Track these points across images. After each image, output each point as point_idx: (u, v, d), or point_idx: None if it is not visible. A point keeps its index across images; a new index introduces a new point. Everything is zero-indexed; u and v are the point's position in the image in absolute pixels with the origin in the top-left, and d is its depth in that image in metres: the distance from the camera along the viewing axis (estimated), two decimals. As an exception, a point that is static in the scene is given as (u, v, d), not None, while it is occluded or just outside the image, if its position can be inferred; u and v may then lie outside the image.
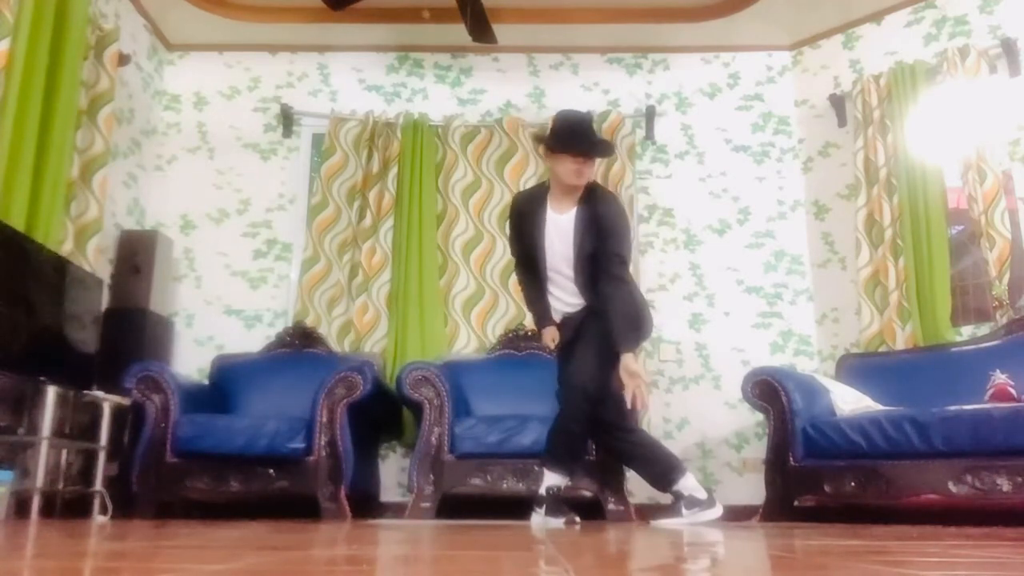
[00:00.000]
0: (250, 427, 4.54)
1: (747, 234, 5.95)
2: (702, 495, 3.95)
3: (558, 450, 3.95)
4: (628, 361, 3.72)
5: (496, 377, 4.53)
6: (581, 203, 3.91)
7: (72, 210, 4.73)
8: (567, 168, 3.81)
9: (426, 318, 5.58)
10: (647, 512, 4.75)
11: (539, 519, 3.86)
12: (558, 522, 3.80)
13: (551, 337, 4.12)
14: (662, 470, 4.01)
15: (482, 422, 4.67)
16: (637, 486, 5.29)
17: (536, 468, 4.20)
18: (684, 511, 3.92)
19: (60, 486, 4.39)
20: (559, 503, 3.92)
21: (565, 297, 4.01)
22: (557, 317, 4.08)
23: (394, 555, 1.93)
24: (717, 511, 3.93)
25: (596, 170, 3.97)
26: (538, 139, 3.98)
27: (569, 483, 4.08)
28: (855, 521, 4.00)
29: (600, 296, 3.84)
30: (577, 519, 3.89)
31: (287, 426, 4.51)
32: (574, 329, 3.99)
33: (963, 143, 5.09)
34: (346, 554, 1.92)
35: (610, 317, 3.76)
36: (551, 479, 3.94)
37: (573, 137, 3.80)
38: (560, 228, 3.92)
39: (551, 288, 4.04)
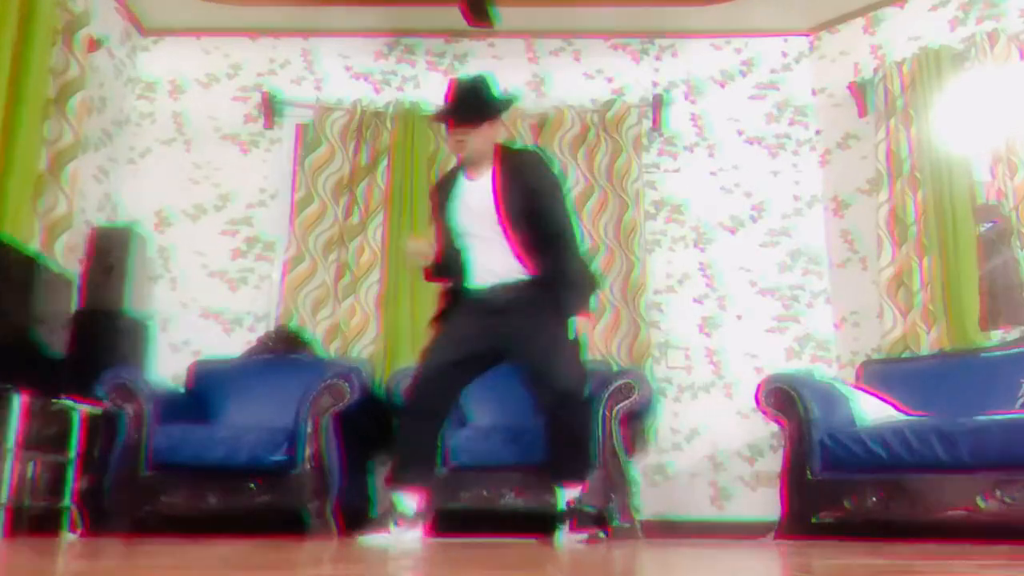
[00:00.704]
0: (230, 437, 4.54)
1: (761, 232, 5.95)
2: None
3: (569, 462, 3.89)
4: (580, 325, 3.79)
5: (494, 384, 4.51)
6: (497, 163, 3.93)
7: (40, 205, 4.73)
8: (450, 141, 3.94)
9: (419, 321, 5.56)
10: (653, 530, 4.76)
11: (564, 536, 3.80)
12: (582, 537, 3.76)
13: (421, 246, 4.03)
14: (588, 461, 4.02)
15: (479, 432, 4.67)
16: (644, 501, 5.30)
17: (550, 483, 4.03)
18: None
19: (27, 501, 4.38)
20: (584, 516, 3.87)
21: (495, 264, 3.89)
22: (483, 283, 3.91)
23: (383, 575, 1.93)
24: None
25: (490, 135, 3.90)
26: (433, 119, 4.14)
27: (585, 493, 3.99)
28: (877, 538, 3.99)
29: (549, 266, 3.83)
30: (602, 534, 3.88)
31: (270, 436, 4.51)
32: (522, 314, 3.81)
33: (993, 134, 5.09)
34: (333, 574, 1.92)
35: (563, 287, 3.80)
36: (569, 493, 3.87)
37: (450, 109, 3.87)
38: (478, 192, 3.91)
39: (478, 257, 3.93)
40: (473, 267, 3.96)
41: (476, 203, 3.90)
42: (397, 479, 3.83)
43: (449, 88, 3.94)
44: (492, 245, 3.89)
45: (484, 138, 3.90)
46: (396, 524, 3.75)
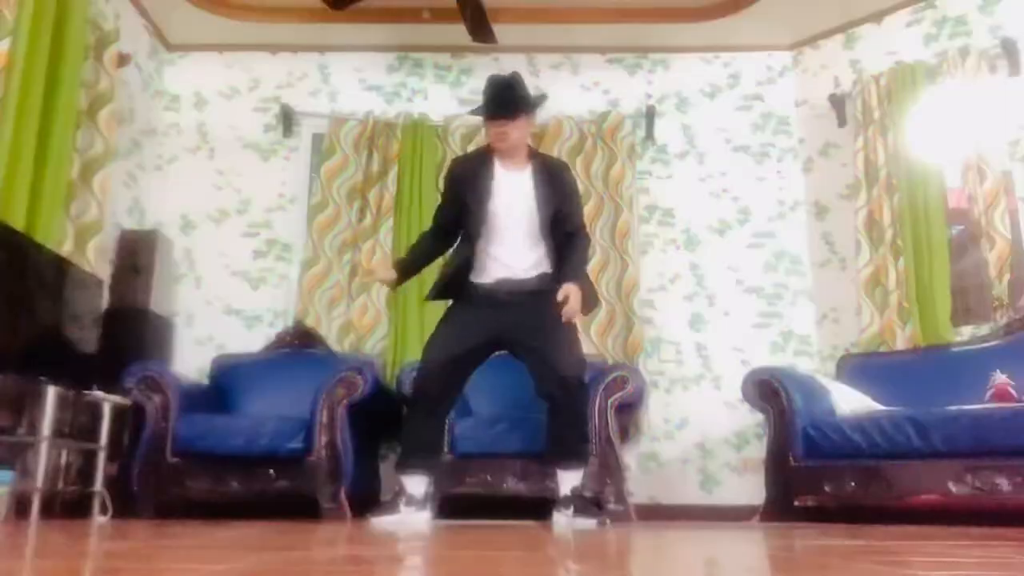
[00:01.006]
0: (250, 427, 4.54)
1: (747, 234, 5.95)
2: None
3: (571, 445, 3.83)
4: (571, 288, 3.72)
5: (496, 376, 4.52)
6: (533, 163, 3.94)
7: (72, 210, 4.73)
8: (490, 132, 3.90)
9: (426, 318, 5.56)
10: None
11: (565, 520, 3.71)
12: (589, 523, 3.68)
13: (381, 269, 4.04)
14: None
15: (482, 421, 4.67)
16: (637, 486, 5.30)
17: (550, 470, 3.99)
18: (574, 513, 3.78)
19: (60, 486, 4.39)
20: (587, 502, 3.82)
21: (510, 258, 3.87)
22: (490, 278, 3.89)
23: (393, 555, 1.93)
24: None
25: (525, 129, 3.94)
26: (474, 114, 4.04)
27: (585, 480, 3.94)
28: (855, 521, 4.00)
29: (573, 250, 3.88)
30: (608, 520, 3.83)
31: (287, 426, 4.51)
32: (523, 307, 3.80)
33: (963, 143, 5.09)
34: (346, 554, 1.92)
35: (578, 268, 3.88)
36: (573, 478, 3.82)
37: (489, 102, 3.87)
38: (518, 185, 3.89)
39: (492, 248, 3.88)
40: (487, 257, 3.90)
41: (514, 196, 3.87)
42: (404, 465, 3.82)
43: (486, 85, 3.94)
44: (516, 239, 3.87)
45: (521, 131, 3.91)
46: (404, 506, 3.75)
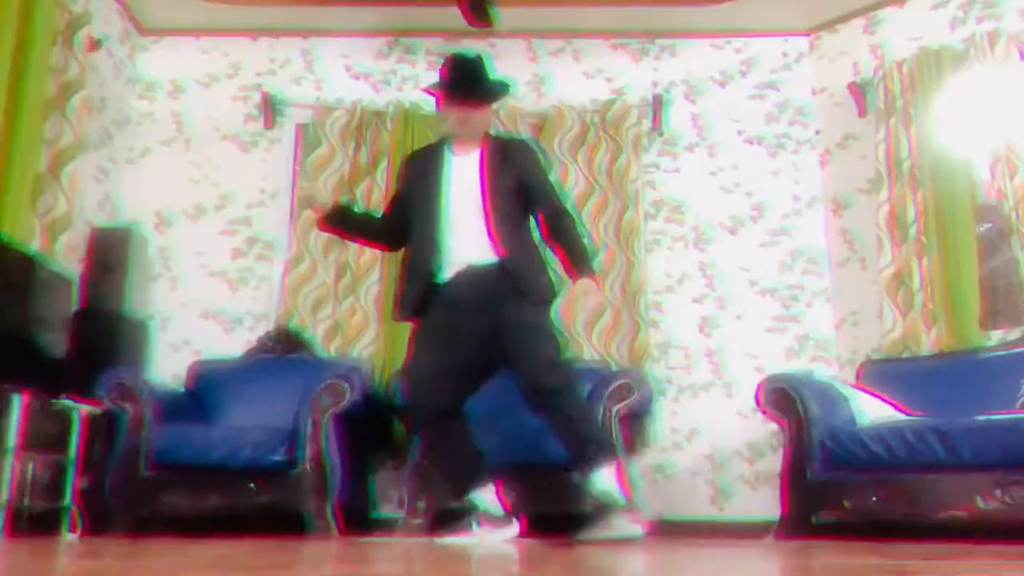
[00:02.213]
0: (230, 438, 4.54)
1: (761, 232, 5.95)
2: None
3: (588, 443, 3.73)
4: (590, 287, 3.84)
5: (494, 382, 4.50)
6: (486, 144, 3.97)
7: (40, 205, 4.73)
8: (452, 116, 3.92)
9: (418, 321, 5.57)
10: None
11: (607, 532, 3.55)
12: (635, 529, 3.57)
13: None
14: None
15: (480, 430, 4.66)
16: (643, 500, 5.29)
17: (576, 480, 3.89)
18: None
19: (27, 501, 4.38)
20: (616, 508, 3.65)
21: (466, 247, 3.86)
22: (450, 269, 3.88)
23: (383, 575, 1.93)
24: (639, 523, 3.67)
25: (490, 117, 4.04)
26: (429, 90, 4.06)
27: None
28: (878, 538, 4.00)
29: (561, 233, 3.94)
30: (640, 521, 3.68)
31: (270, 437, 4.51)
32: (484, 303, 3.81)
33: (993, 134, 5.09)
34: (333, 574, 1.92)
35: (576, 246, 3.93)
36: (605, 478, 3.65)
37: (454, 82, 3.90)
38: (466, 170, 3.92)
39: (450, 241, 3.88)
40: (447, 250, 3.89)
41: (463, 178, 3.90)
42: (459, 492, 3.85)
43: (451, 64, 3.96)
44: (470, 224, 3.87)
45: (485, 118, 3.99)
46: (479, 524, 3.77)
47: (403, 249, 4.07)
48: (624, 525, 3.57)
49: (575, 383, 3.86)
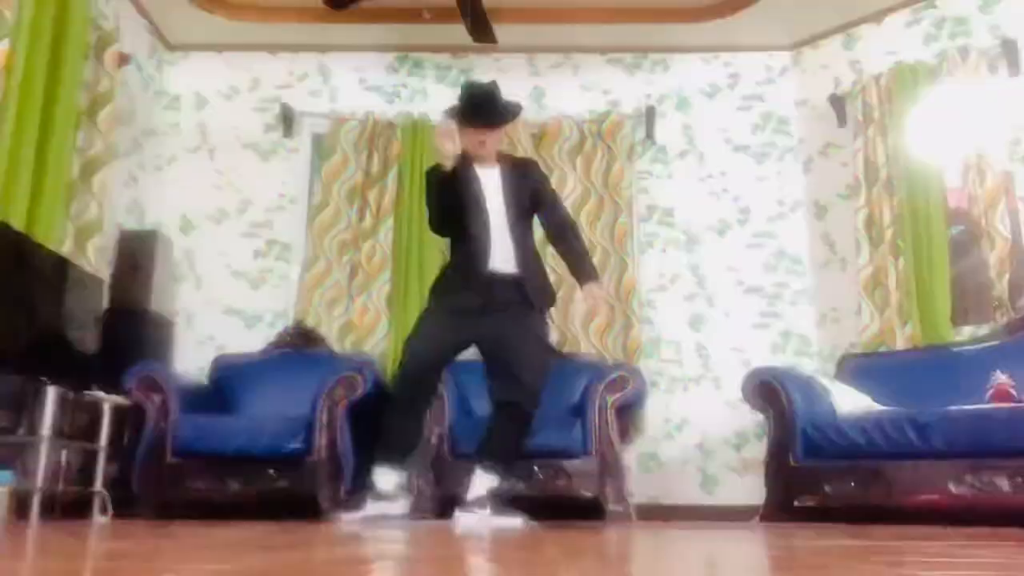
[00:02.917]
0: (250, 427, 4.55)
1: (747, 234, 5.94)
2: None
3: (506, 449, 3.88)
4: (596, 289, 3.99)
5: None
6: (501, 162, 4.08)
7: (72, 210, 4.73)
8: (470, 140, 3.96)
9: (426, 318, 5.57)
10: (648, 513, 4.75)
11: (475, 519, 3.72)
12: (514, 521, 3.76)
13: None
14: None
15: (483, 422, 4.66)
16: (637, 486, 5.29)
17: (476, 466, 3.92)
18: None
19: (60, 486, 4.39)
20: (505, 503, 3.90)
21: (498, 257, 3.93)
22: (477, 275, 3.91)
23: (394, 555, 1.93)
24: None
25: (502, 138, 4.22)
26: (448, 114, 4.09)
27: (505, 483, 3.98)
28: (855, 521, 3.99)
29: (570, 241, 4.10)
30: (533, 522, 3.86)
31: (287, 426, 4.52)
32: (505, 313, 3.88)
33: (963, 143, 5.09)
34: (346, 554, 1.92)
35: (582, 252, 4.10)
36: (490, 481, 3.83)
37: (472, 109, 3.98)
38: (492, 184, 4.00)
39: (476, 246, 3.93)
40: (473, 255, 3.94)
41: (489, 192, 3.98)
42: (384, 459, 3.86)
43: (468, 91, 4.05)
44: (496, 234, 3.93)
45: (498, 140, 4.13)
46: (372, 501, 3.80)
47: (453, 249, 4.09)
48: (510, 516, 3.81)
49: (536, 411, 3.88)
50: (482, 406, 4.94)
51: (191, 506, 4.60)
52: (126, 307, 5.19)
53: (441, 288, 4.02)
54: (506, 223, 3.95)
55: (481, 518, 3.72)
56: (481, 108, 3.99)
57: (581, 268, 4.04)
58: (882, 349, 5.19)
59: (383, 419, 3.95)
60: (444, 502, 4.45)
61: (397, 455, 3.87)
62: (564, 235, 4.10)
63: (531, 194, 4.04)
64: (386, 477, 3.83)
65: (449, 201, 3.94)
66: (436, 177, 3.96)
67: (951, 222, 5.27)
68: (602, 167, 5.88)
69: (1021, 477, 3.64)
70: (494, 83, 4.06)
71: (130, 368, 4.64)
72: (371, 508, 3.78)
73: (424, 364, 3.85)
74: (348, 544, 2.30)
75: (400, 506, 3.86)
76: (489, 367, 3.94)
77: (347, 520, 3.81)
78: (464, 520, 3.73)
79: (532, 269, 4.00)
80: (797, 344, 5.75)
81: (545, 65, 6.27)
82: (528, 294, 3.91)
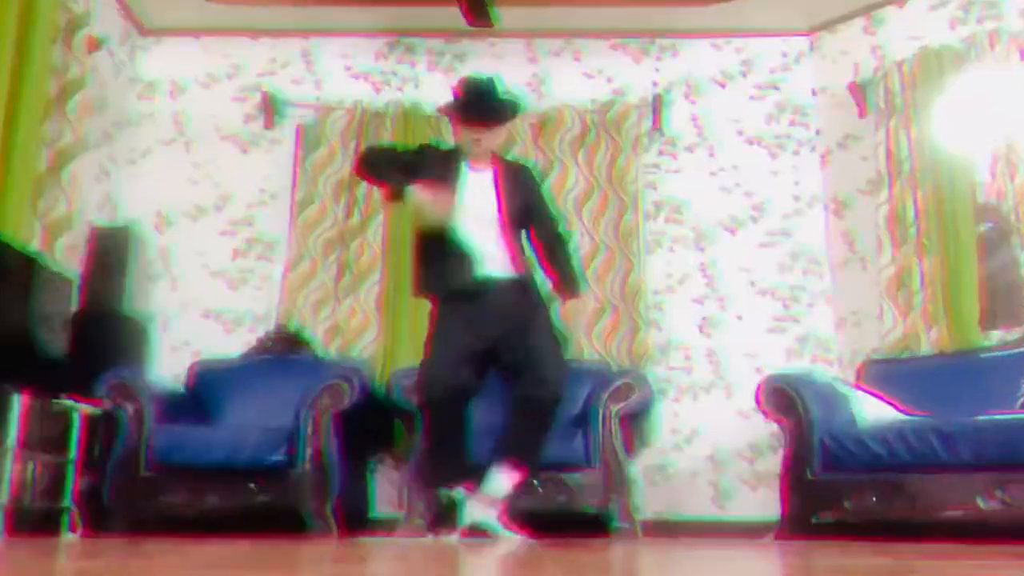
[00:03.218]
0: (230, 438, 4.54)
1: (761, 232, 5.94)
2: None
3: (529, 444, 3.92)
4: (580, 307, 4.15)
5: (493, 383, 4.51)
6: (497, 162, 4.12)
7: (40, 206, 4.73)
8: (466, 136, 4.02)
9: (419, 321, 5.55)
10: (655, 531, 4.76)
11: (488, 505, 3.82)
12: (519, 539, 3.81)
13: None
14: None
15: (480, 432, 4.66)
16: (644, 501, 5.29)
17: (497, 458, 3.94)
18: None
19: (27, 501, 4.38)
20: (517, 513, 3.94)
21: (491, 262, 3.96)
22: (471, 276, 3.93)
23: (385, 575, 1.93)
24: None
25: (501, 137, 4.22)
26: (442, 111, 4.19)
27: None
28: (878, 538, 3.99)
29: (557, 256, 4.15)
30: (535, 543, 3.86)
31: (270, 436, 4.52)
32: (507, 312, 3.93)
33: (993, 134, 5.09)
34: (332, 573, 1.92)
35: (567, 269, 4.15)
36: (509, 479, 3.86)
37: (468, 105, 4.00)
38: (481, 187, 4.02)
39: (478, 252, 3.95)
40: (466, 261, 3.96)
41: (478, 194, 4.00)
42: (443, 481, 3.92)
43: (465, 86, 4.07)
44: (486, 239, 3.96)
45: (496, 139, 4.13)
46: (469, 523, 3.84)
47: (419, 234, 4.09)
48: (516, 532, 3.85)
49: (561, 406, 3.94)
50: (481, 410, 4.95)
51: (167, 522, 4.60)
52: (98, 309, 5.19)
53: (441, 304, 4.02)
54: (492, 227, 3.99)
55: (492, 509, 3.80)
56: (478, 104, 4.00)
57: (564, 286, 4.11)
58: (906, 354, 5.19)
59: (428, 458, 4.06)
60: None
61: (451, 475, 3.92)
62: (553, 253, 4.17)
63: (523, 203, 4.09)
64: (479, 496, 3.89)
65: (440, 259, 3.99)
66: (429, 240, 3.98)
67: (980, 218, 5.27)
68: (606, 160, 5.88)
69: (1054, 491, 3.64)
70: (494, 77, 4.07)
71: (102, 374, 4.63)
72: (466, 527, 3.80)
73: (450, 383, 3.85)
74: (335, 563, 2.30)
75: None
76: (510, 367, 3.96)
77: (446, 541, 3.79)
78: (479, 503, 3.80)
79: (532, 274, 4.07)
80: (815, 349, 5.75)
81: (545, 50, 6.27)
82: (529, 291, 3.98)
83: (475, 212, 3.97)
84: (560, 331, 4.05)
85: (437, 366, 3.88)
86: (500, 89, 4.07)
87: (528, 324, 3.92)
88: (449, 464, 3.93)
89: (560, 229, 4.31)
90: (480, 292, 3.92)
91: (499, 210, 4.00)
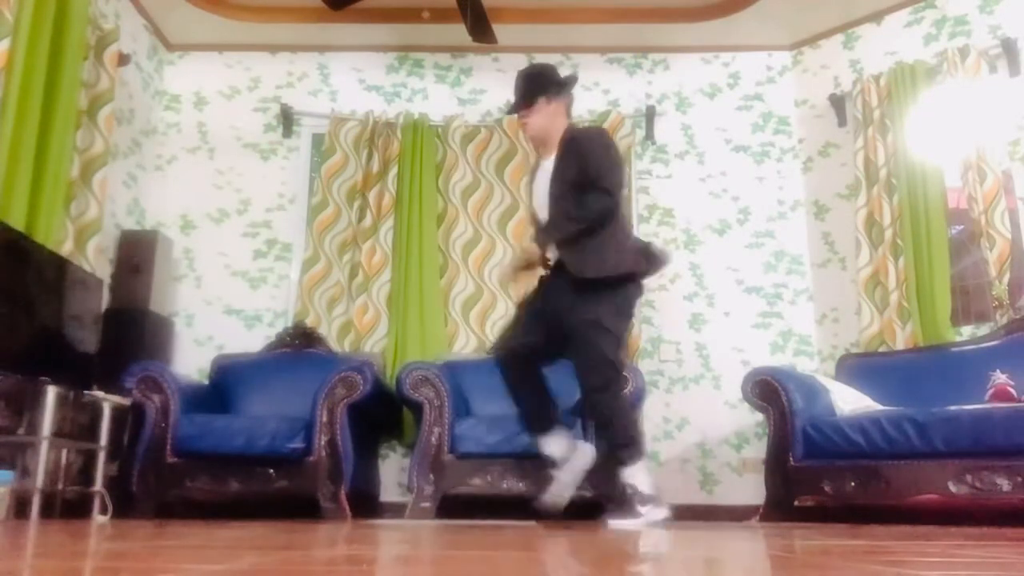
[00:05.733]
0: (250, 427, 4.54)
1: (747, 234, 5.95)
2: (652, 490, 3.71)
3: (625, 453, 3.68)
4: (528, 251, 3.84)
5: (496, 377, 4.51)
6: (563, 143, 3.87)
7: (72, 210, 4.73)
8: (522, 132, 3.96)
9: (426, 318, 5.58)
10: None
11: (639, 521, 3.59)
12: (660, 514, 3.62)
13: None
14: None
15: (482, 422, 4.67)
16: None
17: (610, 471, 3.82)
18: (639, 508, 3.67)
19: (60, 486, 4.39)
20: (629, 503, 3.68)
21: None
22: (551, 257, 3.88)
23: (394, 555, 1.93)
24: (663, 511, 3.68)
25: (548, 113, 3.90)
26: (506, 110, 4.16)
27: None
28: (855, 521, 3.99)
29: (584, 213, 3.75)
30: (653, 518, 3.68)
31: (287, 426, 4.52)
32: (563, 299, 3.76)
33: (963, 143, 5.09)
34: (346, 554, 1.92)
35: (566, 227, 3.75)
36: (627, 474, 3.67)
37: (513, 101, 3.97)
38: (544, 174, 3.91)
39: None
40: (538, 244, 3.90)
41: (542, 184, 3.91)
42: (536, 429, 3.89)
43: (517, 78, 4.01)
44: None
45: (543, 116, 3.90)
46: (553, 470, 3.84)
47: None
48: (649, 513, 3.62)
49: (616, 384, 3.79)
50: (481, 406, 4.96)
51: (191, 506, 4.60)
52: (126, 307, 5.20)
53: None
54: (551, 212, 3.83)
55: (634, 520, 3.61)
56: (515, 93, 3.97)
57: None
58: (882, 349, 5.20)
59: (514, 402, 3.93)
60: (443, 502, 4.46)
61: (542, 426, 3.87)
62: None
63: (575, 173, 3.75)
64: (554, 445, 3.85)
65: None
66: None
67: (951, 222, 5.27)
68: (602, 167, 5.87)
69: (1021, 477, 3.64)
70: (539, 63, 3.96)
71: (130, 368, 4.64)
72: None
73: (518, 336, 3.85)
74: (347, 544, 2.30)
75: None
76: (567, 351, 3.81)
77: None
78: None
79: (583, 254, 3.72)
80: (797, 344, 5.75)
81: (545, 65, 6.26)
82: (579, 280, 3.70)
83: (538, 200, 3.92)
84: (596, 319, 3.67)
85: (514, 326, 3.94)
86: (541, 72, 3.98)
87: (572, 316, 3.70)
88: (536, 410, 3.90)
89: (601, 207, 3.72)
90: (550, 278, 3.89)
91: (548, 196, 3.82)
